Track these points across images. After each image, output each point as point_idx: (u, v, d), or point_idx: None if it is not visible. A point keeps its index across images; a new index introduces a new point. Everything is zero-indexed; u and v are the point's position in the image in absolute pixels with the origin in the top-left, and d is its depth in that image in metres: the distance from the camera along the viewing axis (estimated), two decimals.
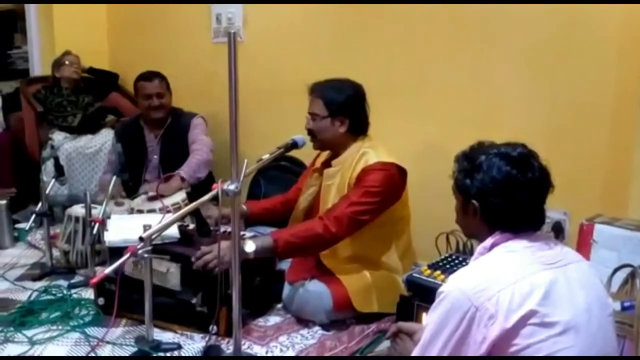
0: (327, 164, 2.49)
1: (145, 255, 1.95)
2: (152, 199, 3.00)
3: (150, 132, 3.44)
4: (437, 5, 2.79)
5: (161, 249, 2.19)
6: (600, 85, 2.41)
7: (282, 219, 2.69)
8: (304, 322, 2.35)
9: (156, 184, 3.02)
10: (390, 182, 2.28)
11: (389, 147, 2.44)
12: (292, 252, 2.32)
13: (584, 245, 2.00)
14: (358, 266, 2.37)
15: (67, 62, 3.85)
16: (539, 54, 2.55)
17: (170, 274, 2.23)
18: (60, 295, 2.53)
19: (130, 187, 3.31)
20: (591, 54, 2.42)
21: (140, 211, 2.92)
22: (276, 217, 2.70)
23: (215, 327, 2.18)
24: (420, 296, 2.08)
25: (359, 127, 2.41)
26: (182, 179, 3.11)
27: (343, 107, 2.37)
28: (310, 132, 2.44)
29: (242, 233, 2.38)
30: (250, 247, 2.14)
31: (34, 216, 2.77)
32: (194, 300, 2.21)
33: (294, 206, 2.63)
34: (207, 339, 2.18)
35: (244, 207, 2.68)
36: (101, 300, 2.35)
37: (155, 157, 3.41)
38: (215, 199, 1.99)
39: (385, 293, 2.34)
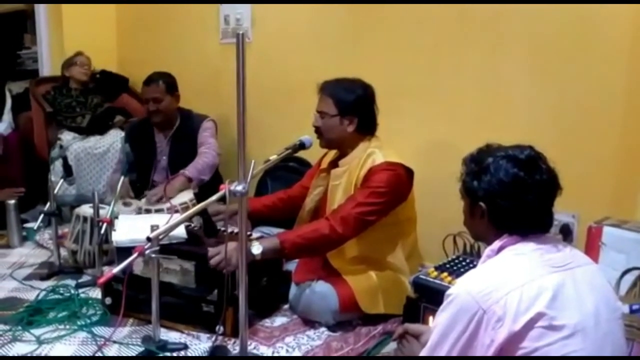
0: (334, 164, 2.49)
1: (153, 255, 1.95)
2: (158, 200, 3.01)
3: (159, 133, 3.44)
4: (446, 6, 2.78)
5: (169, 249, 2.20)
6: (610, 87, 2.39)
7: (282, 216, 2.69)
8: (310, 322, 2.35)
9: (160, 187, 3.05)
10: (396, 182, 2.27)
11: (397, 148, 2.43)
12: (298, 253, 2.33)
13: (592, 248, 1.99)
14: (364, 267, 2.36)
15: (77, 63, 3.88)
16: (548, 55, 2.54)
17: (185, 271, 2.24)
18: (68, 294, 2.54)
19: (138, 187, 3.32)
20: (601, 55, 2.40)
21: (148, 211, 2.93)
22: (276, 214, 2.70)
23: (221, 328, 2.18)
24: (427, 298, 2.07)
25: (367, 127, 2.40)
26: (189, 179, 3.12)
27: (353, 107, 2.36)
28: (318, 130, 2.44)
29: (248, 233, 2.39)
30: (257, 249, 2.14)
31: (42, 216, 2.78)
32: (209, 297, 2.22)
33: (295, 203, 2.64)
34: (213, 339, 2.18)
35: None
36: (108, 300, 2.36)
37: (164, 158, 3.42)
38: (222, 199, 2.00)
39: (391, 294, 2.34)
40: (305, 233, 2.25)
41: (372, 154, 2.33)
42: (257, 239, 2.31)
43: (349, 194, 2.32)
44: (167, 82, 3.36)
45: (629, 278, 1.88)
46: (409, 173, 2.34)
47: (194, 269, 2.25)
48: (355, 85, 2.41)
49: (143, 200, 3.13)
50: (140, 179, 3.28)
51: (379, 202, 2.24)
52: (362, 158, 2.34)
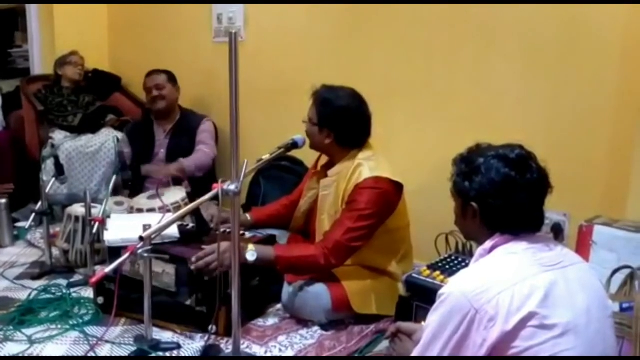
0: (327, 167, 2.49)
1: (145, 254, 1.95)
2: (152, 197, 3.01)
3: (159, 127, 3.58)
4: (438, 6, 2.78)
5: (161, 248, 2.20)
6: (601, 86, 2.40)
7: (287, 222, 2.69)
8: (303, 322, 2.35)
9: (156, 166, 3.12)
10: (382, 202, 2.26)
11: (389, 148, 2.44)
12: (289, 271, 2.36)
13: (583, 247, 2.01)
14: (358, 268, 2.37)
15: (72, 62, 3.87)
16: (540, 56, 2.55)
17: (165, 274, 2.23)
18: (60, 294, 2.53)
19: (130, 186, 3.31)
20: (593, 56, 2.41)
21: (139, 210, 2.93)
22: (281, 222, 2.70)
23: (214, 327, 2.18)
24: (419, 297, 2.08)
25: (346, 141, 2.37)
26: (184, 169, 3.18)
27: (329, 120, 2.34)
28: (307, 132, 2.45)
29: (241, 233, 2.39)
30: (251, 255, 2.16)
31: (33, 215, 2.76)
32: (188, 302, 2.21)
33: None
34: (206, 338, 2.18)
35: (248, 216, 2.69)
36: (100, 300, 2.35)
37: (162, 150, 3.53)
38: (215, 198, 1.99)
39: (383, 295, 2.34)
40: (301, 257, 2.26)
41: (359, 167, 2.30)
42: (250, 238, 2.31)
43: (337, 205, 2.33)
44: (168, 74, 3.57)
45: (620, 276, 1.89)
46: (396, 187, 2.31)
47: (174, 272, 2.23)
48: (342, 98, 2.35)
49: (135, 199, 3.13)
50: (136, 171, 3.30)
51: (366, 225, 2.24)
52: (350, 170, 2.32)
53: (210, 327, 2.17)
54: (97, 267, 2.64)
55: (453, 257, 2.32)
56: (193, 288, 2.20)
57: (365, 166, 2.29)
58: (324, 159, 2.57)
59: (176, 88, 3.59)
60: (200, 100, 3.74)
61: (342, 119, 2.34)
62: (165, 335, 2.21)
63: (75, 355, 2.09)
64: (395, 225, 2.37)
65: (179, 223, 2.41)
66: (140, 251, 1.93)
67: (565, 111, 2.51)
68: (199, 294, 2.19)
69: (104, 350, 2.12)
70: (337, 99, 2.36)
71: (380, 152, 2.41)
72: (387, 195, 2.27)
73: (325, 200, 2.42)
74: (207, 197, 2.04)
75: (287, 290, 2.41)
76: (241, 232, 2.39)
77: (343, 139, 2.36)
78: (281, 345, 2.20)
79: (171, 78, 3.56)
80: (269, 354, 2.14)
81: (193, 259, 2.15)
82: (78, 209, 2.85)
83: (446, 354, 1.31)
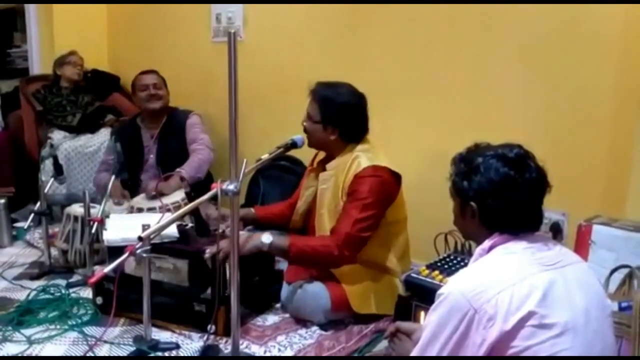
0: (323, 164, 2.49)
1: (144, 254, 1.95)
2: (151, 198, 3.01)
3: (147, 132, 3.45)
4: (437, 6, 2.78)
5: (162, 248, 2.20)
6: (600, 86, 2.40)
7: (289, 223, 2.69)
8: (302, 322, 2.35)
9: (155, 183, 3.03)
10: (382, 189, 2.27)
11: (388, 147, 2.43)
12: (300, 261, 2.35)
13: (582, 246, 2.01)
14: (357, 267, 2.36)
15: (71, 62, 3.87)
16: (539, 55, 2.55)
17: (178, 269, 2.24)
18: (59, 294, 2.53)
19: (129, 186, 3.30)
20: (591, 55, 2.41)
21: (140, 210, 2.92)
22: (284, 221, 2.69)
23: (213, 327, 2.18)
24: (418, 296, 2.08)
25: (350, 136, 2.39)
26: (182, 179, 3.11)
27: (334, 117, 2.36)
28: (305, 129, 2.45)
29: (240, 233, 2.39)
30: (267, 238, 2.19)
31: (32, 215, 2.76)
32: (203, 295, 2.22)
33: None
34: (205, 338, 2.18)
35: (252, 209, 2.69)
36: (99, 300, 2.36)
37: (152, 156, 3.42)
38: (214, 198, 1.99)
39: (383, 295, 2.34)
40: (315, 245, 2.26)
41: (357, 158, 2.32)
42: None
43: (336, 198, 2.33)
44: (163, 77, 3.46)
45: (618, 276, 1.89)
46: (395, 176, 2.33)
47: (187, 267, 2.25)
48: (342, 93, 2.38)
49: (135, 199, 3.12)
50: (129, 178, 3.27)
51: (371, 215, 2.24)
52: (348, 162, 2.33)
53: (209, 326, 2.17)
54: (96, 267, 2.65)
55: (452, 257, 2.31)
56: (207, 281, 2.20)
57: (363, 157, 2.31)
58: (321, 155, 2.57)
59: (167, 92, 3.48)
60: (199, 100, 3.74)
61: (345, 115, 2.36)
62: (164, 335, 2.21)
63: (74, 355, 2.08)
64: (393, 217, 2.38)
65: (178, 223, 2.41)
66: (139, 251, 1.93)
67: (564, 111, 2.51)
68: (213, 286, 2.18)
69: (103, 351, 2.12)
70: (338, 95, 2.38)
71: (378, 146, 2.42)
72: (386, 184, 2.29)
73: (324, 194, 2.42)
74: (206, 196, 2.04)
75: (286, 289, 2.42)
76: (240, 233, 2.39)
77: (347, 133, 2.38)
78: (280, 345, 2.20)
79: (164, 81, 3.48)
80: (268, 354, 2.14)
81: (207, 250, 2.16)
82: (77, 209, 2.85)
83: (445, 353, 1.30)
